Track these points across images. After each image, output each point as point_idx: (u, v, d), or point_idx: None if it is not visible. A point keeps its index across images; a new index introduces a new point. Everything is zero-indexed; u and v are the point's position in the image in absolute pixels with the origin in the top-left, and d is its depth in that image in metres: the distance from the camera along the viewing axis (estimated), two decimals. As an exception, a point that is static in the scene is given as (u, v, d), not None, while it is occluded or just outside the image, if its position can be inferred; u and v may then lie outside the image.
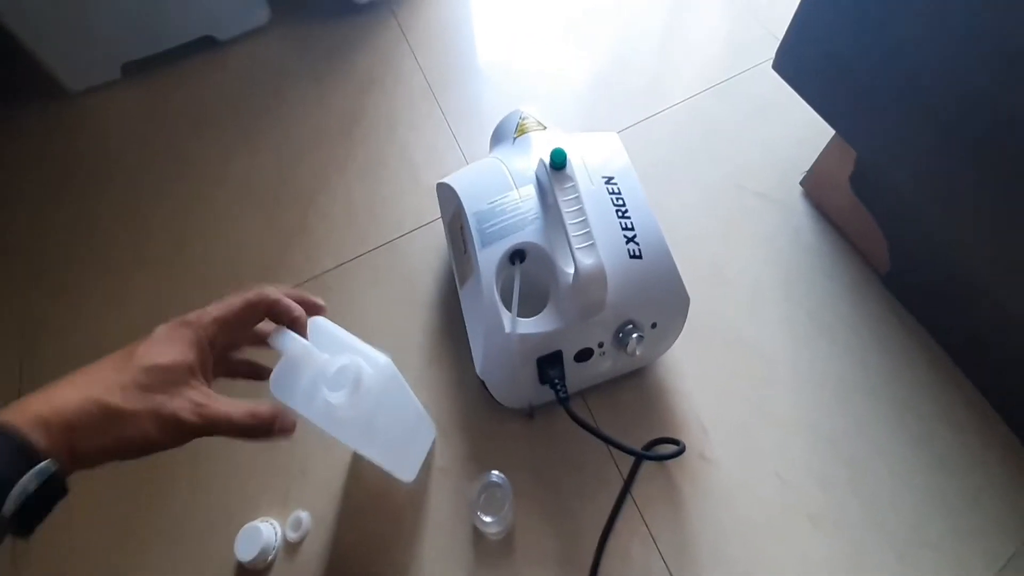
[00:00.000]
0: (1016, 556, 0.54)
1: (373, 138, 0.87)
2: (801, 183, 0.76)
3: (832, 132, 0.68)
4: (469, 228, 0.57)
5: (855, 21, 0.54)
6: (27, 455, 0.27)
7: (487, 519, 0.52)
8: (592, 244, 0.50)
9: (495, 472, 0.55)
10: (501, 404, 0.61)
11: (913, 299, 0.66)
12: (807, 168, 0.75)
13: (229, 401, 0.34)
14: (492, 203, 0.58)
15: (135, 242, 0.81)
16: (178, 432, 0.32)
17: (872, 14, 0.53)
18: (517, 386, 0.58)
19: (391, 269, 0.75)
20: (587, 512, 0.57)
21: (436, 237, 0.77)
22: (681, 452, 0.56)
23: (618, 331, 0.55)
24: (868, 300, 0.67)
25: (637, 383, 0.64)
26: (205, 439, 0.33)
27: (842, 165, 0.68)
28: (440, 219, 0.77)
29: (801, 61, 0.63)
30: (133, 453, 0.31)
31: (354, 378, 0.39)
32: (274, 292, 0.38)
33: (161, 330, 0.34)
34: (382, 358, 0.43)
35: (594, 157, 0.60)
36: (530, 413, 0.62)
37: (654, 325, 0.56)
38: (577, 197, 0.51)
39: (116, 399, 0.30)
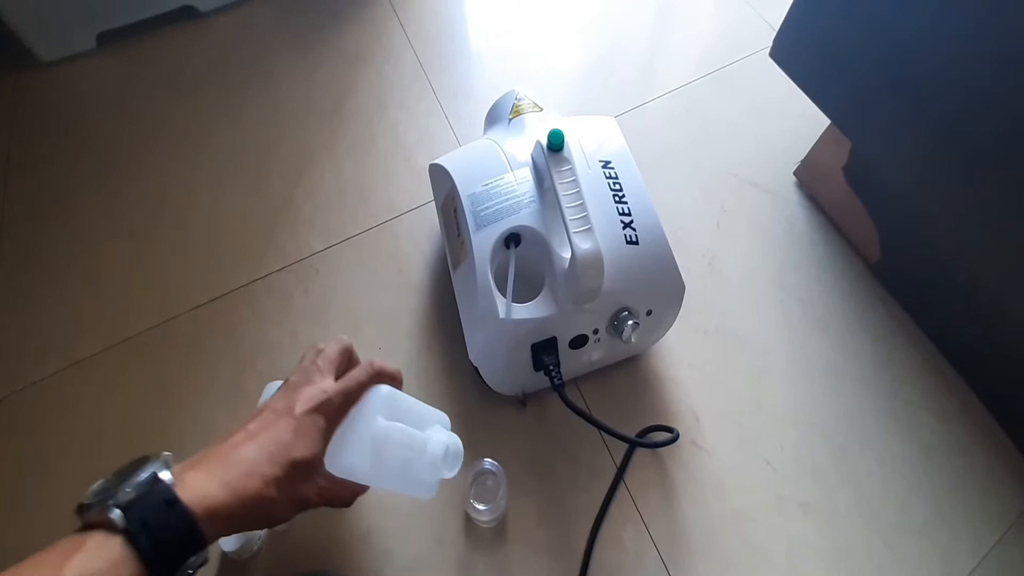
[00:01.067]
0: (1000, 543, 0.55)
1: (363, 115, 0.85)
2: (795, 173, 0.76)
3: (827, 122, 0.68)
4: (463, 211, 0.56)
5: (854, 11, 0.54)
6: (195, 547, 0.30)
7: (480, 507, 0.51)
8: (589, 228, 0.49)
9: (488, 460, 0.54)
10: (494, 391, 0.60)
11: (902, 289, 0.67)
12: (801, 158, 0.75)
13: (341, 487, 0.40)
14: (487, 185, 0.56)
15: (110, 214, 0.78)
16: (303, 511, 0.37)
17: (871, 6, 0.52)
18: (511, 373, 0.57)
19: (381, 252, 0.73)
20: (580, 499, 0.57)
21: (427, 220, 0.75)
22: (675, 440, 0.56)
23: (613, 318, 0.54)
24: (859, 290, 0.68)
25: (631, 371, 0.63)
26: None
27: (836, 155, 0.68)
28: (431, 202, 0.75)
29: (798, 50, 0.62)
30: (263, 527, 0.38)
31: (455, 452, 0.43)
32: (386, 365, 0.43)
33: (304, 419, 0.37)
34: (444, 418, 0.46)
35: (591, 140, 0.59)
36: (523, 400, 0.61)
37: (649, 312, 0.55)
38: (575, 180, 0.50)
39: (272, 493, 0.33)
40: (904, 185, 0.57)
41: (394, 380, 0.43)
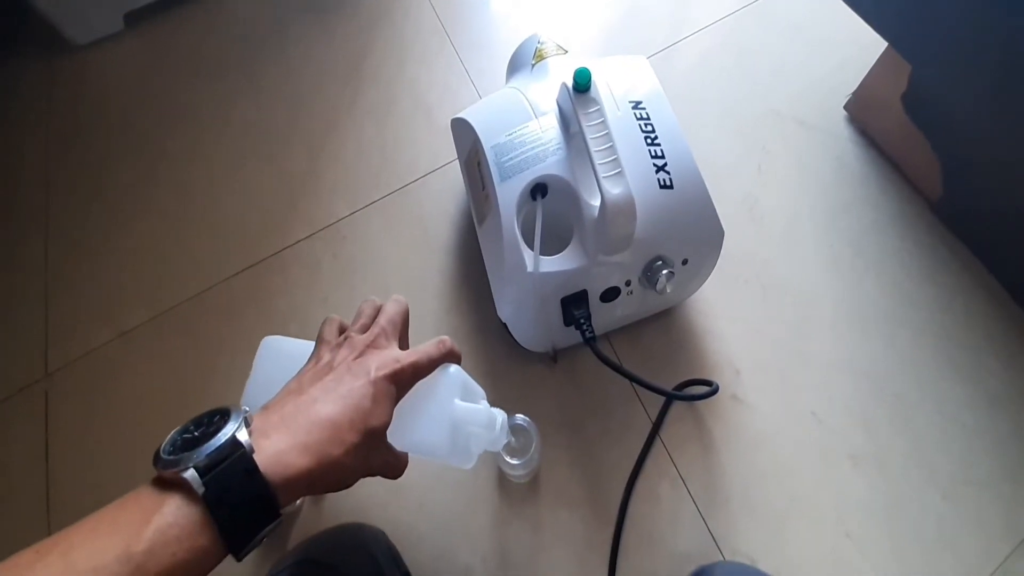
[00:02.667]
0: (1074, 494, 0.51)
1: (382, 76, 0.83)
2: (845, 107, 0.70)
3: (881, 48, 0.62)
4: (487, 162, 0.54)
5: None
6: (270, 514, 0.29)
7: (513, 461, 0.51)
8: (620, 172, 0.46)
9: (520, 415, 0.53)
10: (523, 348, 0.58)
11: (967, 228, 0.61)
12: (851, 90, 0.69)
13: (398, 457, 0.39)
14: (510, 135, 0.54)
15: (142, 193, 0.79)
16: (366, 477, 0.36)
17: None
18: (541, 328, 0.55)
19: (406, 214, 0.72)
20: (614, 455, 0.56)
21: (451, 180, 0.73)
22: (714, 392, 0.54)
23: (647, 268, 0.51)
24: (918, 230, 0.62)
25: (665, 324, 0.61)
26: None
27: (893, 84, 0.62)
28: (455, 161, 0.73)
29: (852, -35, 0.56)
30: (330, 491, 0.36)
31: (505, 425, 0.42)
32: (454, 345, 0.41)
33: (381, 384, 0.35)
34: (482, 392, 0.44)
35: (620, 81, 0.55)
36: (553, 356, 0.60)
37: (685, 261, 0.52)
38: (603, 122, 0.47)
39: (350, 461, 0.32)
40: (971, 111, 0.52)
41: (458, 360, 0.42)
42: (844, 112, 0.70)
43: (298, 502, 0.56)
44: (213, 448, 0.28)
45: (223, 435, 0.29)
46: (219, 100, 0.85)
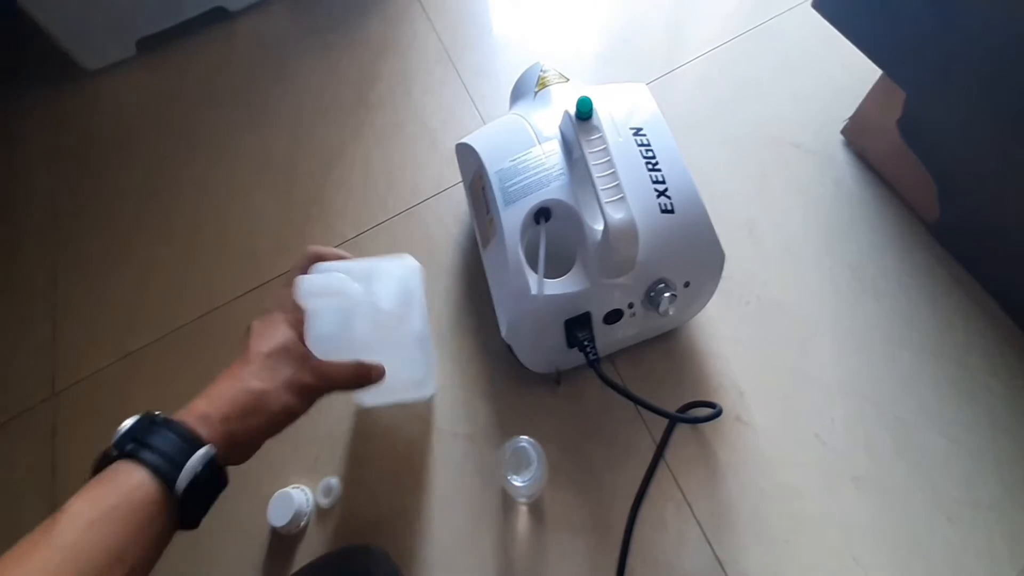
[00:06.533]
0: (1080, 517, 0.51)
1: (388, 103, 0.85)
2: (842, 131, 0.71)
3: (876, 75, 0.63)
4: (491, 187, 0.55)
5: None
6: (192, 443, 0.32)
7: (517, 481, 0.51)
8: (622, 197, 0.47)
9: (524, 436, 0.54)
10: (526, 370, 0.59)
11: (964, 249, 0.62)
12: (847, 115, 0.70)
13: (334, 362, 0.41)
14: (514, 160, 0.55)
15: (152, 219, 0.81)
16: (308, 395, 0.39)
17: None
18: (544, 350, 0.56)
19: (411, 236, 0.73)
20: (618, 479, 0.56)
21: (454, 203, 0.74)
22: (718, 415, 0.54)
23: (649, 290, 0.52)
24: (915, 252, 0.63)
25: (668, 345, 0.61)
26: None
27: (888, 109, 0.63)
28: (459, 184, 0.75)
29: (845, -5, 0.58)
30: (278, 425, 0.37)
31: (400, 281, 0.43)
32: (315, 248, 0.44)
33: (256, 324, 0.40)
34: (407, 258, 0.47)
35: (621, 108, 0.56)
36: (556, 379, 0.61)
37: (687, 284, 0.53)
38: (605, 149, 0.48)
39: (256, 383, 0.36)
40: (965, 135, 0.53)
41: (317, 258, 0.44)
42: (841, 136, 0.71)
43: (302, 523, 0.56)
44: (123, 428, 0.34)
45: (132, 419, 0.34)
46: (228, 126, 0.87)
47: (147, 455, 0.30)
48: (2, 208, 0.86)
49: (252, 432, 0.36)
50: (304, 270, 0.42)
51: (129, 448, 0.31)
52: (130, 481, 0.30)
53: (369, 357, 0.44)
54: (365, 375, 0.43)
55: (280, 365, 0.37)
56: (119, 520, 0.28)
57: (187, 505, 0.31)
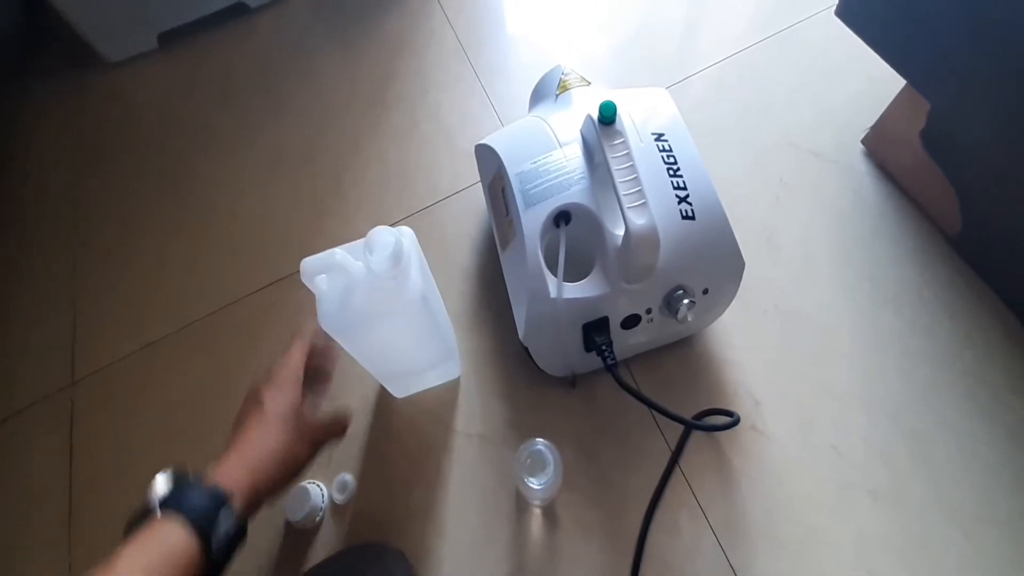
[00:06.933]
0: (1100, 536, 0.51)
1: (405, 101, 0.85)
2: (863, 141, 0.71)
3: (899, 85, 0.63)
4: (511, 189, 0.55)
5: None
6: (224, 502, 0.36)
7: (533, 484, 0.51)
8: (644, 203, 0.47)
9: (540, 439, 0.54)
10: (542, 372, 0.59)
11: (985, 263, 0.62)
12: (868, 125, 0.70)
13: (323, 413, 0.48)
14: (535, 163, 0.55)
15: (169, 211, 0.81)
16: (316, 450, 0.45)
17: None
18: (561, 353, 0.56)
19: (428, 236, 0.73)
20: (631, 483, 0.56)
21: (472, 202, 0.75)
22: (735, 423, 0.54)
23: (668, 297, 0.52)
24: (935, 264, 0.63)
25: (685, 352, 0.61)
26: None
27: (912, 120, 0.63)
28: (476, 185, 0.75)
29: (868, 5, 0.58)
30: (291, 477, 0.42)
31: (394, 245, 0.43)
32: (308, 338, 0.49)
33: (270, 390, 0.44)
34: (405, 229, 0.48)
35: (642, 113, 0.56)
36: (572, 382, 0.61)
37: (706, 291, 0.53)
38: (628, 154, 0.48)
39: (283, 438, 0.41)
40: (991, 146, 0.52)
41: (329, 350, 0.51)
42: (861, 146, 0.71)
43: (317, 518, 0.57)
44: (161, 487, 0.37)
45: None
46: (246, 122, 0.87)
47: (188, 514, 0.33)
48: (22, 198, 0.87)
49: (274, 487, 0.40)
50: (296, 356, 0.47)
51: (170, 506, 0.34)
52: (172, 539, 0.32)
53: (380, 329, 0.47)
54: (338, 424, 0.49)
55: (292, 422, 0.43)
56: None
57: (219, 561, 0.34)
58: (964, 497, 0.53)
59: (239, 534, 0.36)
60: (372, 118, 0.84)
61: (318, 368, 0.50)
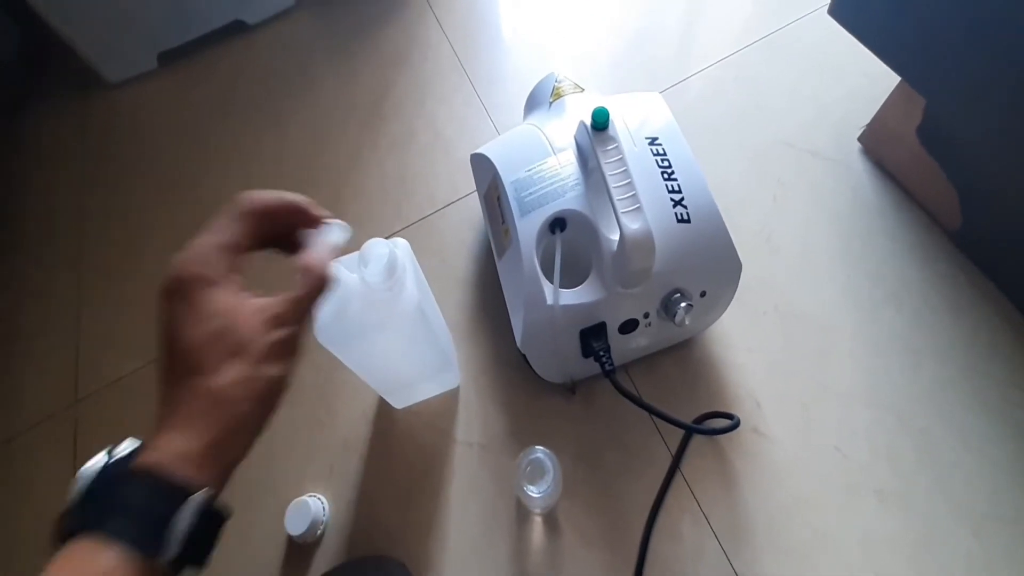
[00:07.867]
0: (1112, 533, 0.50)
1: (403, 113, 0.86)
2: (859, 139, 0.70)
3: (894, 81, 0.63)
4: (507, 197, 0.55)
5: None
6: (174, 494, 0.24)
7: (533, 492, 0.51)
8: (639, 208, 0.47)
9: (539, 447, 0.54)
10: (541, 380, 0.59)
11: (987, 258, 0.61)
12: (865, 123, 0.69)
13: (280, 298, 0.32)
14: (530, 170, 0.55)
15: (171, 229, 0.82)
16: (289, 348, 0.30)
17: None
18: (559, 359, 0.56)
19: (426, 246, 0.74)
20: (633, 489, 0.56)
21: (469, 212, 0.75)
22: (735, 426, 0.54)
23: (665, 300, 0.52)
24: (937, 260, 0.62)
25: (684, 355, 0.61)
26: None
27: (908, 116, 0.62)
28: (473, 193, 0.75)
29: (862, 3, 0.58)
30: (271, 405, 0.29)
31: (388, 257, 0.42)
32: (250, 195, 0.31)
33: (175, 308, 0.30)
34: (400, 240, 0.48)
35: (636, 118, 0.56)
36: (571, 388, 0.60)
37: (703, 293, 0.53)
38: (621, 159, 0.48)
39: (222, 379, 0.27)
40: (987, 142, 0.52)
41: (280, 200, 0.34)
42: (858, 144, 0.71)
43: (319, 531, 0.57)
44: (83, 477, 0.26)
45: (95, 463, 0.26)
46: (247, 137, 0.88)
47: (116, 524, 0.23)
48: (27, 218, 0.88)
49: (245, 428, 0.28)
50: (238, 221, 0.32)
51: (92, 516, 0.23)
52: (96, 566, 0.22)
53: (377, 341, 0.46)
54: (315, 275, 0.33)
55: (235, 343, 0.28)
56: None
57: (181, 565, 0.24)
58: (972, 495, 0.52)
59: (208, 527, 0.25)
60: (370, 130, 0.85)
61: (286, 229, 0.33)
